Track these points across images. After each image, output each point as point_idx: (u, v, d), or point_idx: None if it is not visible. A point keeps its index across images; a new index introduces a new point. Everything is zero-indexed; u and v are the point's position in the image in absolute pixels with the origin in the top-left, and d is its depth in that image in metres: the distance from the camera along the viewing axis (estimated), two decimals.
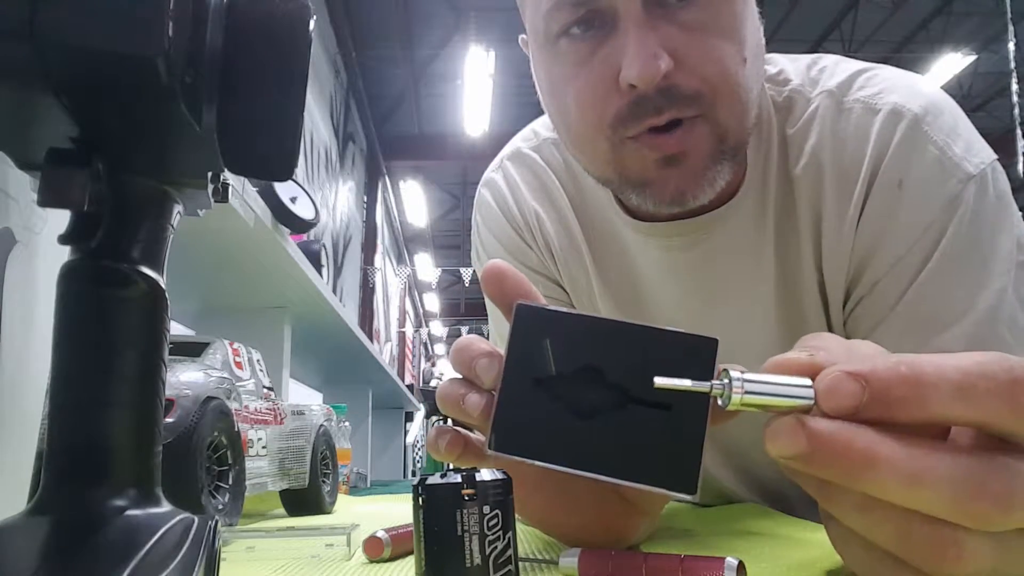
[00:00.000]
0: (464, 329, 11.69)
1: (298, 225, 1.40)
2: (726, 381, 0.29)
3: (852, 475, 0.27)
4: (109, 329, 0.27)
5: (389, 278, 10.04)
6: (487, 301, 0.77)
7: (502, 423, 0.32)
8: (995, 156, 0.57)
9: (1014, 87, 5.95)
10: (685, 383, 0.29)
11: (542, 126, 0.74)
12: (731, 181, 0.59)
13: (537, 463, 0.31)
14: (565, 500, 0.44)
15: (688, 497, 0.31)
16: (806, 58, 0.64)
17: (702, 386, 0.29)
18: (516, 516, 0.36)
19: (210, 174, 0.30)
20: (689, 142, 0.52)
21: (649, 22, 0.49)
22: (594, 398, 0.32)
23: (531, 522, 0.48)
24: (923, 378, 0.26)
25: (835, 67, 0.62)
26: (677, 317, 0.66)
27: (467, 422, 0.36)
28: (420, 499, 0.35)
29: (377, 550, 0.51)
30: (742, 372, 0.29)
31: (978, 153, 0.56)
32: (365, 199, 8.28)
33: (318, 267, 1.74)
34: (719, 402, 0.29)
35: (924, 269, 0.55)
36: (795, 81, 0.62)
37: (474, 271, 0.79)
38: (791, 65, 0.63)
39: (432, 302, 14.51)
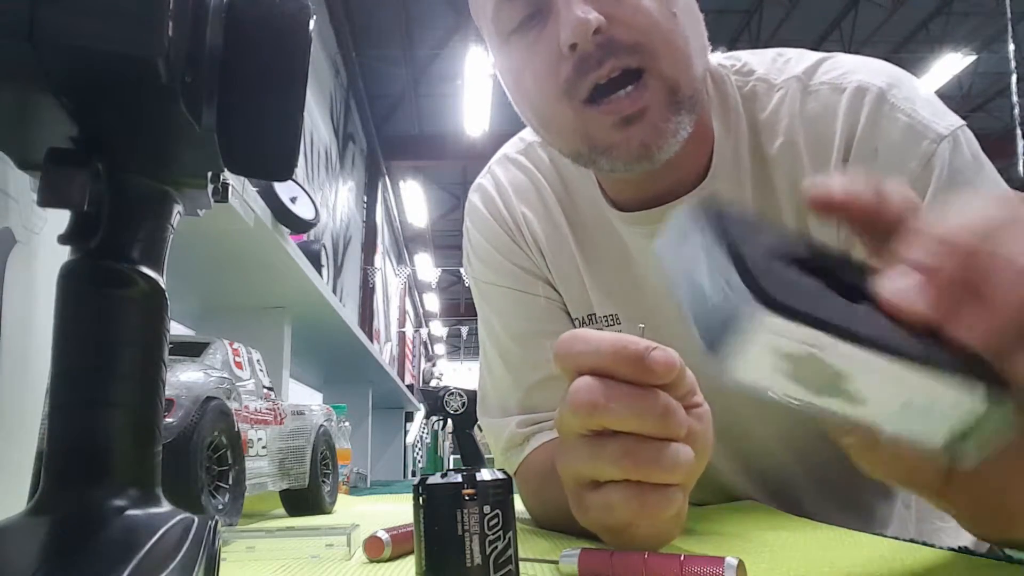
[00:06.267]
0: (464, 329, 11.68)
1: (298, 225, 1.40)
2: None
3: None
4: (109, 329, 0.26)
5: (389, 278, 10.03)
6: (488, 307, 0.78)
7: (765, 274, 0.23)
8: (963, 122, 0.59)
9: (1014, 87, 5.94)
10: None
11: (528, 132, 0.77)
12: (699, 159, 0.63)
13: (821, 330, 0.22)
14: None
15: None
16: (770, 51, 0.68)
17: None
18: (516, 516, 0.36)
19: (210, 174, 0.30)
20: (643, 99, 0.55)
21: None
22: (851, 280, 0.26)
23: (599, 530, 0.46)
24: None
25: (800, 57, 0.66)
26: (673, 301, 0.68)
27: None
28: (420, 499, 0.35)
29: (377, 550, 0.51)
30: None
31: (945, 116, 0.59)
32: (365, 199, 8.27)
33: (318, 267, 1.74)
34: None
35: None
36: (759, 71, 0.65)
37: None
38: (754, 58, 0.67)
39: (432, 302, 14.51)
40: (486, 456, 2.27)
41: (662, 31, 0.55)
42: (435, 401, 2.31)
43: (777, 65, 0.65)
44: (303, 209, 1.40)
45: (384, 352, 8.68)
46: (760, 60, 0.66)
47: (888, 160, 0.58)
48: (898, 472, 0.33)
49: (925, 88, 0.62)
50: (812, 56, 0.65)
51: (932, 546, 0.50)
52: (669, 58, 0.55)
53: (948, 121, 0.59)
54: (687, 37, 0.57)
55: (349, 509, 1.12)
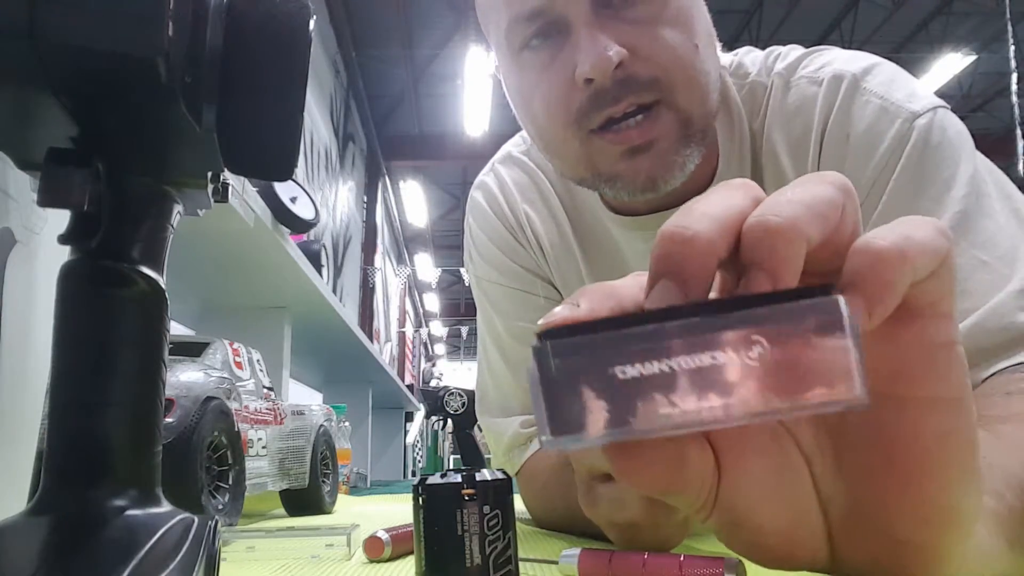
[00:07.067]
0: (464, 329, 11.68)
1: (298, 225, 1.40)
2: None
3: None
4: (109, 329, 0.26)
5: (389, 278, 10.03)
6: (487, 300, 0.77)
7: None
8: (945, 104, 0.57)
9: (1014, 87, 5.95)
10: None
11: None
12: (704, 170, 0.62)
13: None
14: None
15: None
16: (763, 51, 0.67)
17: None
18: (516, 516, 0.36)
19: (210, 174, 0.30)
20: (654, 131, 0.54)
21: (598, 23, 0.53)
22: None
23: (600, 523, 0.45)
24: None
25: (788, 53, 0.65)
26: None
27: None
28: (420, 499, 0.35)
29: (377, 550, 0.51)
30: None
31: (923, 98, 0.57)
32: (365, 199, 8.27)
33: (318, 267, 1.74)
34: None
35: (880, 203, 0.55)
36: (753, 72, 0.64)
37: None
38: (748, 57, 0.66)
39: (432, 302, 14.50)
40: (486, 456, 2.27)
41: (683, 66, 0.54)
42: (435, 401, 2.31)
43: (768, 63, 0.64)
44: (303, 209, 1.40)
45: (384, 352, 8.68)
46: (753, 59, 0.65)
47: (859, 145, 0.57)
48: (775, 546, 0.28)
49: (907, 75, 0.60)
50: (798, 51, 0.64)
51: None
52: (686, 92, 0.54)
53: (925, 102, 0.56)
54: (707, 72, 0.55)
55: (349, 509, 1.12)
